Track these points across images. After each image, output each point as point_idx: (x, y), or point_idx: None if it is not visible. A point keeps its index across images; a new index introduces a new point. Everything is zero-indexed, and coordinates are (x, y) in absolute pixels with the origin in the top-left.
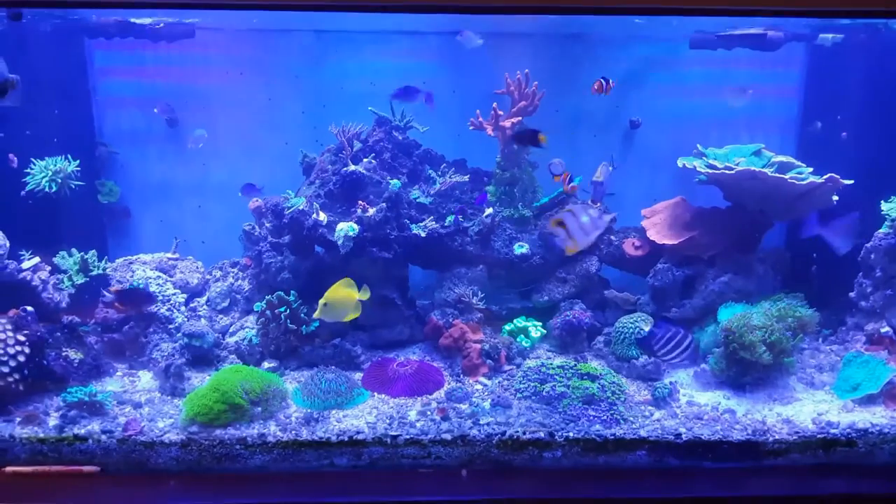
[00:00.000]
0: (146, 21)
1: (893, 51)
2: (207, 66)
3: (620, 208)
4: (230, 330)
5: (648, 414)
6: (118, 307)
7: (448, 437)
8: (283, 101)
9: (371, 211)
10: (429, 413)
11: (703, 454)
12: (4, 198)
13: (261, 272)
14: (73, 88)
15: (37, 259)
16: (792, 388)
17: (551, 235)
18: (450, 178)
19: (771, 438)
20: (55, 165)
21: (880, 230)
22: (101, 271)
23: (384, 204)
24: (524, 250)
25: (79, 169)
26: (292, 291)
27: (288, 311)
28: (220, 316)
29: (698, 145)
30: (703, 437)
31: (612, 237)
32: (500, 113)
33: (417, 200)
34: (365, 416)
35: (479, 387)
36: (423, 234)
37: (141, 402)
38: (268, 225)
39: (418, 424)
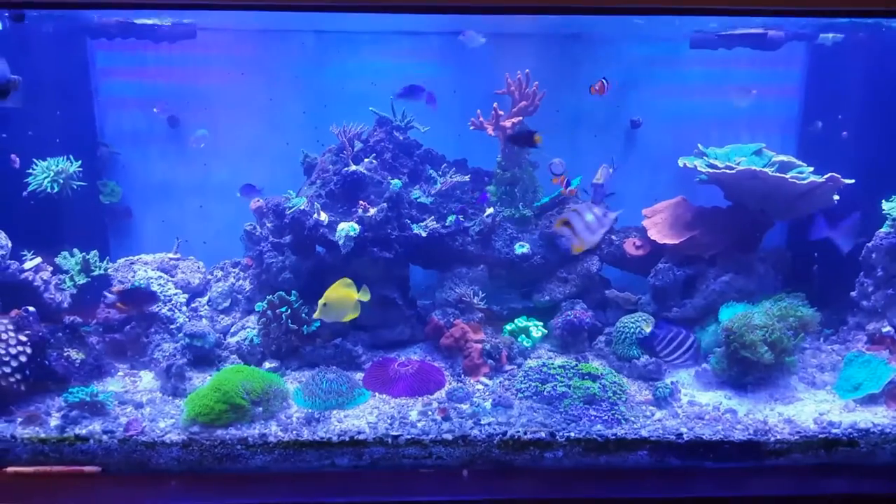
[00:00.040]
0: (148, 21)
1: (893, 51)
2: (209, 66)
3: (621, 208)
4: (231, 330)
5: (650, 414)
6: (121, 307)
7: (449, 437)
8: (284, 101)
9: (372, 211)
10: (430, 413)
11: (705, 454)
12: (6, 198)
13: (262, 272)
14: (74, 89)
15: (39, 259)
16: (793, 388)
17: (558, 235)
18: (451, 177)
19: (772, 438)
20: (57, 166)
21: (881, 229)
22: (102, 271)
23: (385, 204)
24: (525, 250)
25: (80, 169)
26: (293, 291)
27: (289, 311)
28: (222, 316)
29: (699, 145)
30: (704, 437)
31: (613, 237)
32: (501, 113)
33: (418, 200)
34: (366, 416)
35: (480, 387)
36: (424, 234)
37: (142, 403)
38: (269, 225)
39: (419, 424)
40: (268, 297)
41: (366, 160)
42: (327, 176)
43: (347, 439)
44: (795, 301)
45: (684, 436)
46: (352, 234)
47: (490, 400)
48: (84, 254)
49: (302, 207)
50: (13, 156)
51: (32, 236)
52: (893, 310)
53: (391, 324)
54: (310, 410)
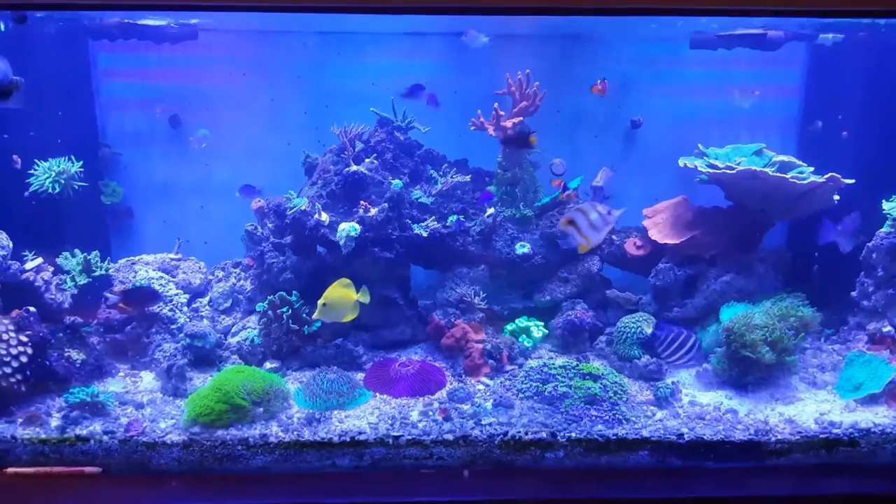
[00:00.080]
0: (151, 22)
1: (893, 51)
2: (210, 67)
3: (623, 207)
4: (232, 330)
5: (651, 414)
6: (123, 307)
7: (450, 437)
8: (285, 101)
9: (373, 211)
10: (431, 413)
11: (706, 454)
12: (8, 198)
13: (263, 272)
14: (76, 90)
15: (40, 260)
16: (794, 388)
17: (562, 235)
18: (451, 178)
19: (773, 438)
20: (59, 166)
21: (882, 229)
22: (103, 272)
23: (386, 204)
24: (526, 250)
25: (82, 170)
26: (294, 292)
27: (290, 311)
28: (223, 316)
29: (699, 145)
30: (705, 437)
31: (614, 237)
32: (502, 113)
33: (419, 200)
34: (367, 416)
35: (481, 387)
36: (424, 234)
37: (143, 403)
38: (270, 225)
39: (420, 425)
40: (269, 298)
41: (367, 160)
42: (328, 176)
43: (348, 440)
44: (796, 301)
45: (685, 436)
46: (353, 234)
47: (491, 400)
48: (85, 254)
49: (303, 208)
50: (15, 156)
51: (34, 237)
52: (894, 310)
53: (392, 324)
54: (311, 411)
